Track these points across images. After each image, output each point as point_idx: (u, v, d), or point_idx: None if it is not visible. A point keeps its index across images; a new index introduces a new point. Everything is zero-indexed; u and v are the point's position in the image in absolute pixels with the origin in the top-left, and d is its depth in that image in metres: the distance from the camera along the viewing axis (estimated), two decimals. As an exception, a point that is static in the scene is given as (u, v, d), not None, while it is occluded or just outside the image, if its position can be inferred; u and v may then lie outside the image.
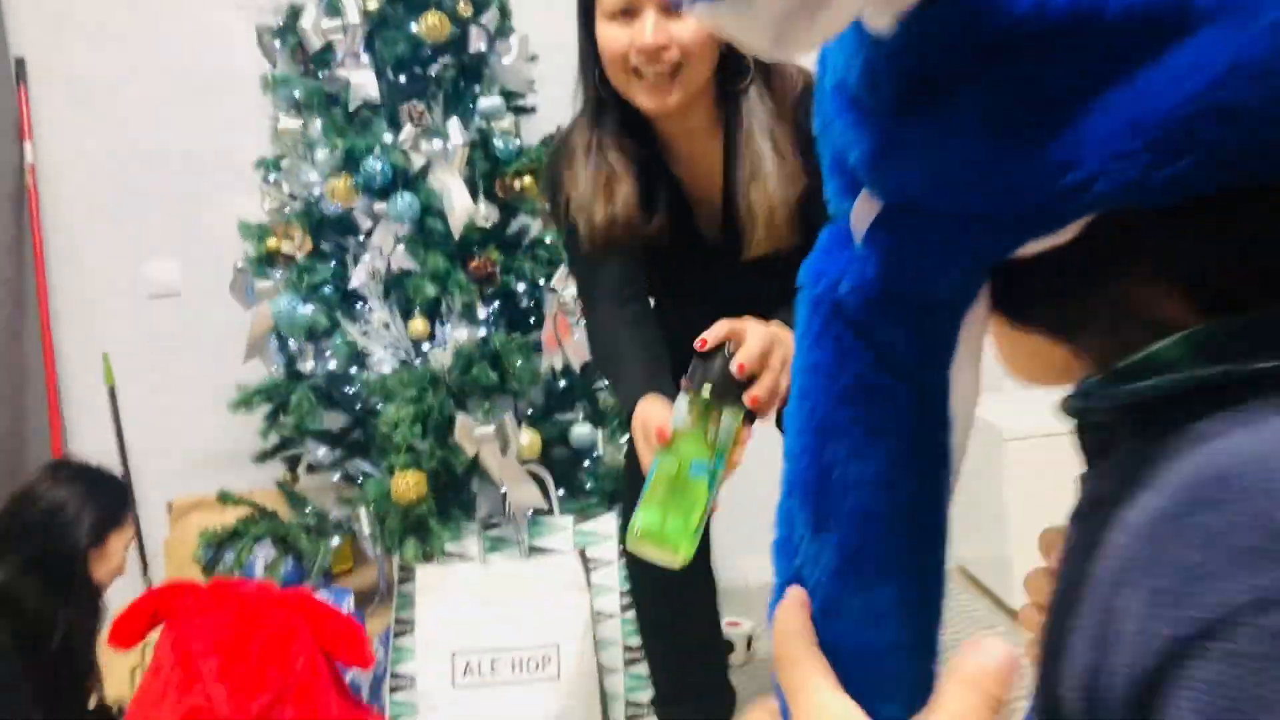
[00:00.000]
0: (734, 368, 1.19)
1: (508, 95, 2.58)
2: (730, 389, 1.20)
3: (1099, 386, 0.49)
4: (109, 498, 2.05)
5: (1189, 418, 0.44)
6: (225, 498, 2.57)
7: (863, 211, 0.51)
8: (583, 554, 2.32)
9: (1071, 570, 0.48)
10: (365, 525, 2.38)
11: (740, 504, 3.04)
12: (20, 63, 3.02)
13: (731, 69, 1.55)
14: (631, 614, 2.34)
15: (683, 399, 1.19)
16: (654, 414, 1.44)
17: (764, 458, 3.13)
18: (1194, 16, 0.41)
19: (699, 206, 1.68)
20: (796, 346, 0.56)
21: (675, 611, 2.04)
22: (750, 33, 0.44)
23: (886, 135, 0.48)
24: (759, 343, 1.21)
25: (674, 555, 1.14)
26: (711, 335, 1.21)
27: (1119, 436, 0.48)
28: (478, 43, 2.51)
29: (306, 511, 2.56)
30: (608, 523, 2.40)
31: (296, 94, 2.51)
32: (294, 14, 2.52)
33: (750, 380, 1.21)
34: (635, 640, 2.33)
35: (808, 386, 0.54)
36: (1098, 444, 0.51)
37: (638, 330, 1.67)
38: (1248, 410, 0.42)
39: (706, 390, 1.19)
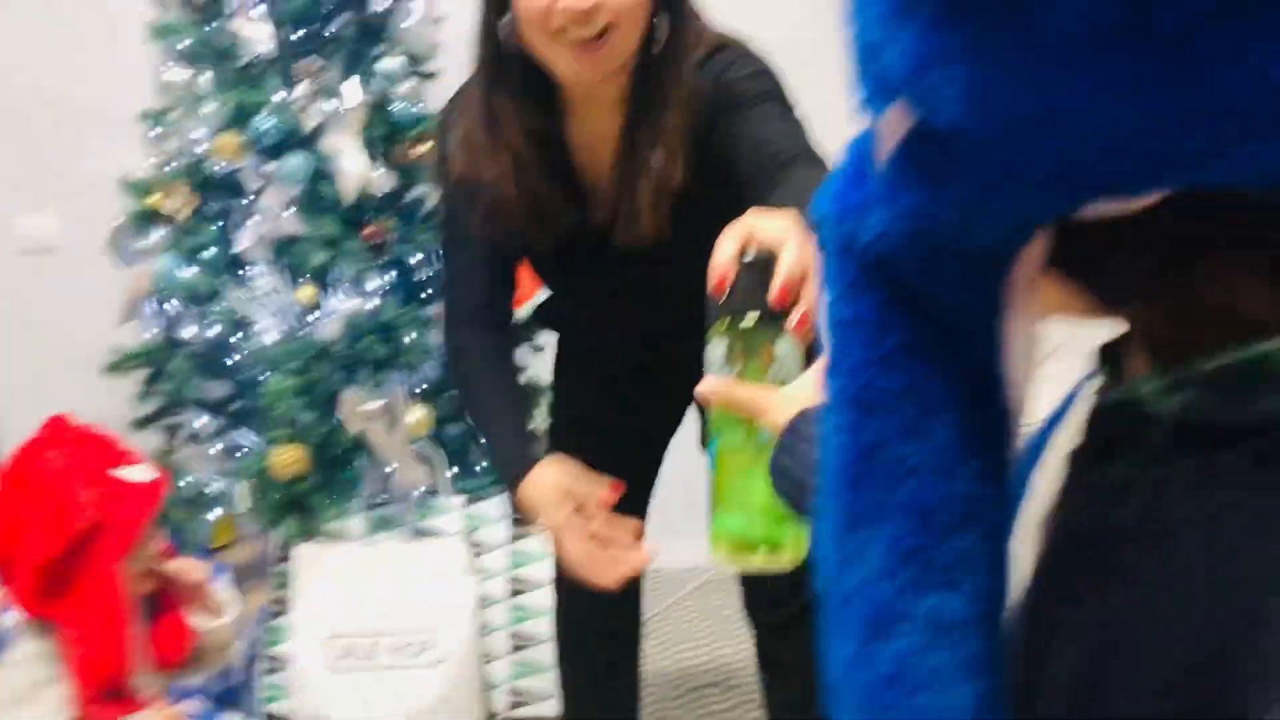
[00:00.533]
0: (774, 290, 0.87)
1: (411, 59, 2.48)
2: (771, 310, 0.88)
3: (1194, 388, 0.40)
4: None
5: None
6: (95, 467, 2.43)
7: (893, 126, 0.40)
8: (470, 537, 2.25)
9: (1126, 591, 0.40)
10: (242, 499, 2.28)
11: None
12: (-113, -5, 2.83)
13: (649, 36, 1.40)
14: (519, 599, 2.29)
15: (718, 345, 0.88)
16: (557, 482, 1.42)
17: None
18: None
19: (591, 188, 1.53)
20: (822, 298, 0.46)
21: (597, 640, 1.93)
22: None
23: (942, 33, 0.36)
24: (798, 250, 0.88)
25: (783, 554, 0.86)
26: (730, 247, 0.90)
27: (1186, 445, 0.40)
28: (380, 2, 2.41)
29: (184, 483, 2.45)
30: (498, 506, 2.33)
31: (185, 44, 2.38)
32: (184, -41, 2.39)
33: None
34: (522, 627, 2.28)
35: (842, 349, 0.45)
36: (1131, 432, 0.42)
37: (503, 373, 1.59)
38: None
39: (751, 319, 0.88)
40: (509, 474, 1.50)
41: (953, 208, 0.40)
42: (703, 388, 0.88)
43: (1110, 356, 0.45)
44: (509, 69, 1.44)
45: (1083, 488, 0.45)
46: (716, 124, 1.39)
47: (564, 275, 1.66)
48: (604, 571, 1.42)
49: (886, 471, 0.44)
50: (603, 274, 1.55)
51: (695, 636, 2.68)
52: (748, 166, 1.33)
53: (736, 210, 0.99)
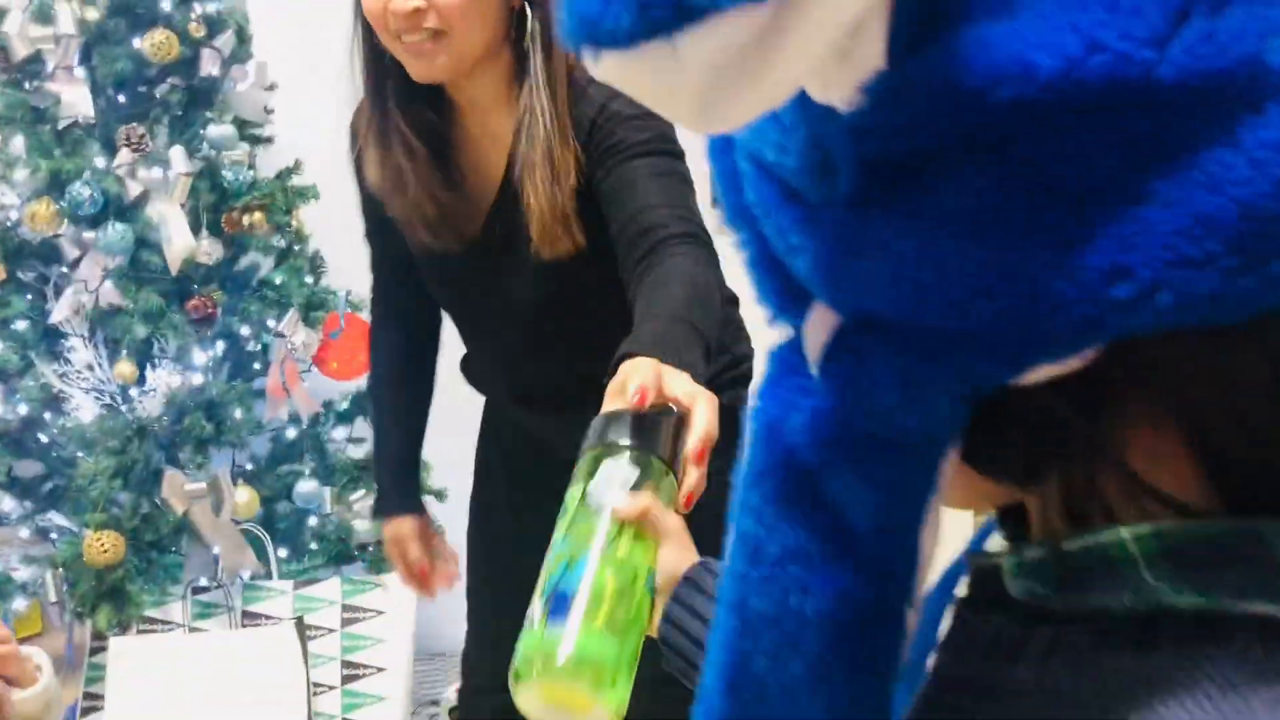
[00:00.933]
0: (692, 446, 0.83)
1: (241, 124, 2.41)
2: (668, 460, 0.82)
3: (1044, 569, 0.40)
4: None
5: (1181, 644, 0.36)
6: (-117, 556, 2.26)
7: (817, 328, 0.40)
8: (300, 622, 2.16)
9: None
10: (51, 589, 2.14)
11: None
12: None
13: (521, 32, 1.35)
14: (352, 685, 2.21)
15: (618, 468, 0.80)
16: (417, 533, 1.56)
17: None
18: (1271, 84, 0.33)
19: (479, 195, 1.46)
20: (739, 475, 0.44)
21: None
22: (672, 96, 0.33)
23: (845, 233, 0.37)
24: (712, 412, 0.86)
25: (607, 698, 0.70)
26: (637, 386, 0.85)
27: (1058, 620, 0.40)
28: (210, 66, 2.34)
29: (-13, 570, 2.29)
30: (331, 588, 2.25)
31: (-3, 106, 2.27)
32: (-4, 16, 2.28)
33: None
34: (356, 715, 2.20)
35: (739, 538, 0.43)
36: (1000, 594, 0.42)
37: (405, 383, 1.62)
38: (1254, 658, 0.35)
39: (658, 467, 0.81)
40: (378, 505, 1.65)
41: (890, 390, 0.39)
42: (620, 494, 0.79)
43: (1009, 513, 0.45)
44: (388, 73, 1.39)
45: (960, 635, 0.45)
46: (596, 165, 1.33)
47: (456, 295, 1.56)
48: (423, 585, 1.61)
49: (759, 684, 0.42)
50: (491, 294, 1.48)
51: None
52: (620, 233, 1.28)
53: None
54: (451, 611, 3.05)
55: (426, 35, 1.30)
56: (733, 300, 1.49)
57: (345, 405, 2.55)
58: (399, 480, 1.62)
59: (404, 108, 1.40)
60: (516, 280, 1.44)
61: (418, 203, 1.41)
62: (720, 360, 1.41)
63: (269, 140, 2.55)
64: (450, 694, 2.57)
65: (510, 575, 1.40)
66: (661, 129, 1.32)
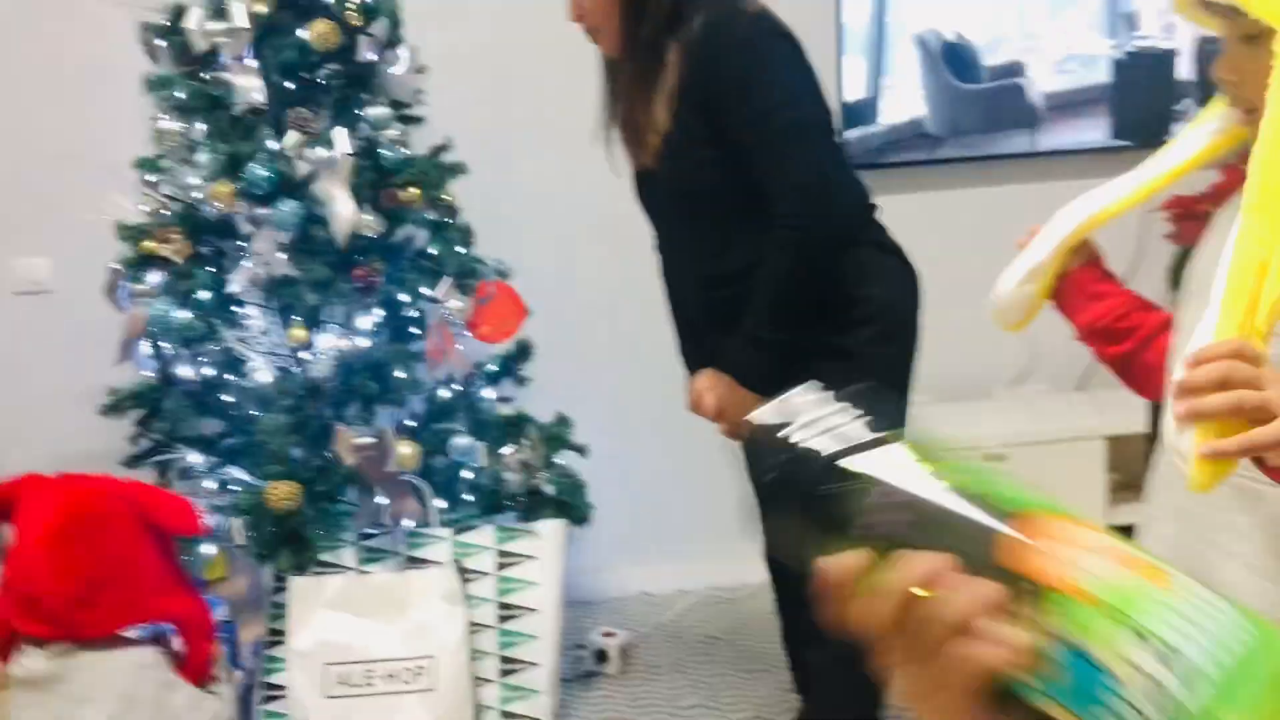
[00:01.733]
0: None
1: (395, 105, 2.58)
2: None
3: None
4: None
5: None
6: (93, 504, 2.50)
7: None
8: (460, 566, 2.33)
9: None
10: (239, 533, 2.35)
11: (616, 514, 3.10)
12: (-118, 46, 2.90)
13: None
14: (508, 625, 2.37)
15: None
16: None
17: (637, 458, 3.18)
18: None
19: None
20: None
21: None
22: None
23: None
24: None
25: None
26: None
27: None
28: (367, 52, 2.51)
29: (178, 519, 2.51)
30: (486, 535, 2.42)
31: (179, 95, 2.47)
32: (178, 14, 2.48)
33: None
34: (511, 652, 2.36)
35: None
36: None
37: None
38: None
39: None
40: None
41: None
42: None
43: None
44: None
45: None
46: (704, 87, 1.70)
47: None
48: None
49: None
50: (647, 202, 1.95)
51: (678, 660, 2.76)
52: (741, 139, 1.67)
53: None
54: (595, 561, 3.22)
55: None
56: (870, 243, 1.66)
57: (494, 367, 2.72)
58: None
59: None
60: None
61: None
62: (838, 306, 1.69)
63: (420, 120, 2.71)
64: (596, 638, 2.72)
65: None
66: (758, 53, 1.73)
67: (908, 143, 3.18)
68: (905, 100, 3.16)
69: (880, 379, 1.73)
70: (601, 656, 2.69)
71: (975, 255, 3.28)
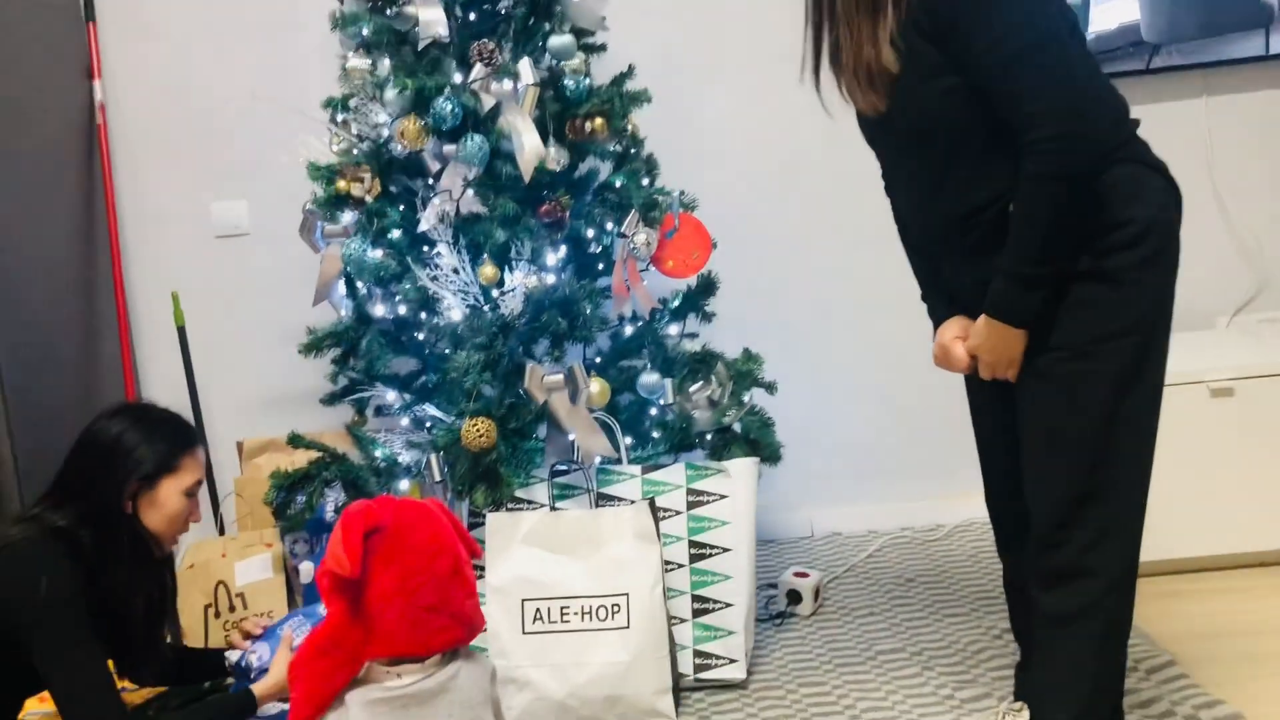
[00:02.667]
0: None
1: (578, 33, 2.51)
2: None
3: None
4: (164, 443, 1.97)
5: None
6: (295, 440, 2.57)
7: None
8: (652, 503, 2.30)
9: None
10: (435, 470, 2.38)
11: (805, 454, 3.02)
12: (89, 1, 3.00)
13: None
14: (700, 564, 2.33)
15: None
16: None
17: (825, 395, 3.06)
18: None
19: None
20: None
21: None
22: None
23: None
24: None
25: None
26: None
27: None
28: (549, -22, 2.45)
29: (376, 455, 2.56)
30: (676, 472, 2.37)
31: (365, 31, 2.47)
32: (363, -51, 2.46)
33: None
34: (704, 591, 2.32)
35: None
36: None
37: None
38: None
39: None
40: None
41: None
42: None
43: None
44: None
45: None
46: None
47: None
48: None
49: None
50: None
51: (873, 602, 2.68)
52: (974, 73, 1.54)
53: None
54: (784, 499, 3.15)
55: None
56: (1132, 160, 1.60)
57: (677, 303, 2.65)
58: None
59: None
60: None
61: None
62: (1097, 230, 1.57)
63: (602, 48, 2.64)
64: (788, 577, 2.66)
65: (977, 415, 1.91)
66: None
67: (1120, 52, 2.93)
68: (1116, 4, 2.92)
69: (1145, 305, 1.59)
70: (794, 597, 2.63)
71: (1197, 173, 3.04)
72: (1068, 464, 1.64)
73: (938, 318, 1.84)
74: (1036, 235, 1.52)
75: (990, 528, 1.99)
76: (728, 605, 2.32)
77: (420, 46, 2.43)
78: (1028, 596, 1.76)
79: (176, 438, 2.01)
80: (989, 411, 1.89)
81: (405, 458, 2.55)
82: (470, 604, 1.60)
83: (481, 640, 2.28)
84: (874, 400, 3.19)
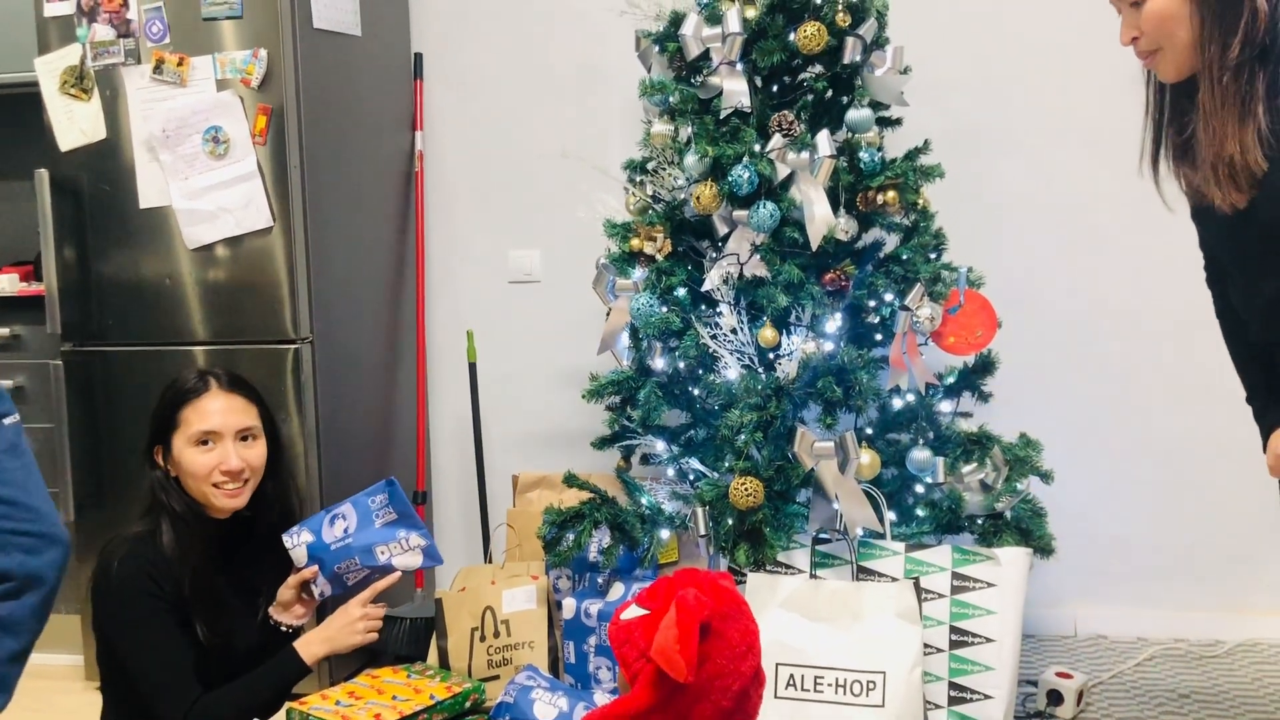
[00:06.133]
0: None
1: (875, 106, 2.54)
2: None
3: None
4: (165, 407, 2.04)
5: None
6: (570, 480, 2.69)
7: None
8: (917, 583, 2.26)
9: None
10: (700, 524, 2.43)
11: (1075, 548, 2.88)
12: (418, 58, 3.29)
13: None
14: (960, 651, 2.27)
15: None
16: None
17: (1102, 488, 2.91)
18: None
19: None
20: None
21: None
22: None
23: None
24: None
25: None
26: None
27: None
28: (852, 53, 2.49)
29: (642, 502, 2.64)
30: (942, 554, 2.33)
31: (671, 100, 2.58)
32: (676, 21, 2.59)
33: None
34: (963, 680, 2.26)
35: None
36: None
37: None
38: None
39: None
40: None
41: None
42: None
43: None
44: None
45: None
46: None
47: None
48: None
49: None
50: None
51: (1141, 714, 2.52)
52: None
53: None
54: (1048, 594, 3.02)
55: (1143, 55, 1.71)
56: None
57: (952, 379, 2.61)
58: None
59: None
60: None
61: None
62: None
63: (898, 122, 2.66)
64: (1049, 676, 2.55)
65: None
66: None
67: None
68: None
69: None
70: (1055, 698, 2.51)
71: None
72: None
73: (1268, 423, 1.74)
74: None
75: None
76: (987, 697, 2.25)
77: (722, 115, 2.52)
78: None
79: (175, 396, 2.06)
80: None
81: (669, 507, 2.62)
82: (757, 706, 1.53)
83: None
84: (1154, 498, 3.01)
